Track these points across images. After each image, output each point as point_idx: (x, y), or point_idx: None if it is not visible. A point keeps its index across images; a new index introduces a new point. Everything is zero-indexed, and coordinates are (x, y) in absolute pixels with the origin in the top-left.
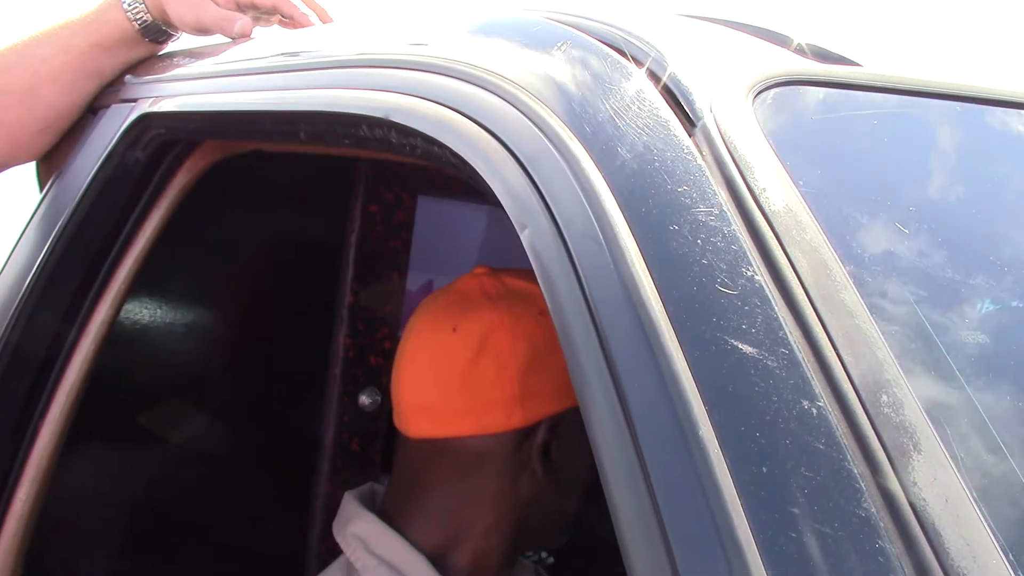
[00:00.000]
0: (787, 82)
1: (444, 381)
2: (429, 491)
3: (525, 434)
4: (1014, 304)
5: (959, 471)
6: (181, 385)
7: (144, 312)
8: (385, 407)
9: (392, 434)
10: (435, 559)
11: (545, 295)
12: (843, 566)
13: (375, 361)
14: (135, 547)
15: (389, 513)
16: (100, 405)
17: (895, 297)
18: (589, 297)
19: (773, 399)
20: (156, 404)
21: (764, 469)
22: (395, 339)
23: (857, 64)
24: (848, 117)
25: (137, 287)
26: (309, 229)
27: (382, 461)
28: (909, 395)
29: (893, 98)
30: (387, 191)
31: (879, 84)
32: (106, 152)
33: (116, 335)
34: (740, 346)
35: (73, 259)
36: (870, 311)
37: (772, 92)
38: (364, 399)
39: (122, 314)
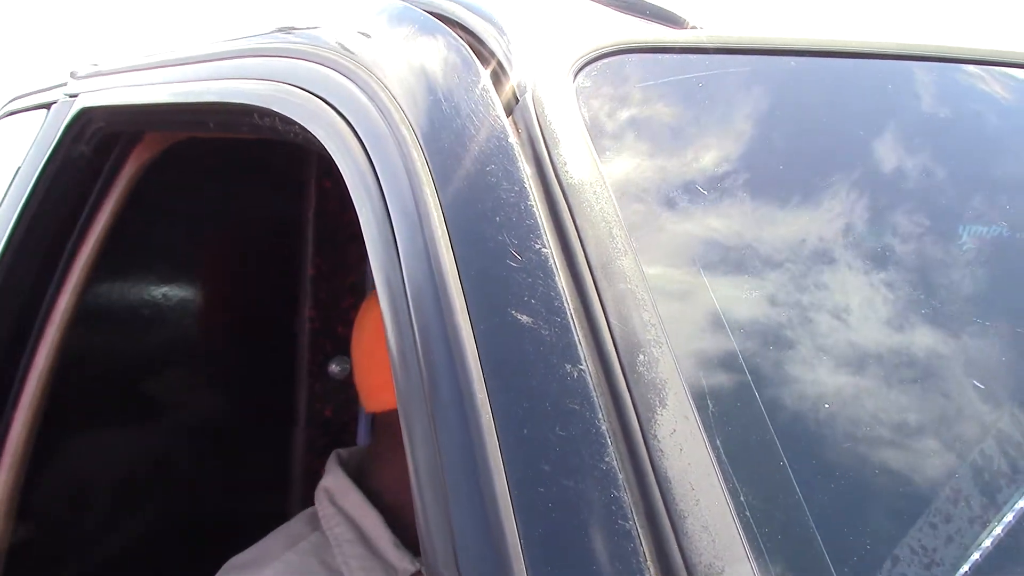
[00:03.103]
0: (615, 52)
1: (360, 363)
2: (379, 457)
3: None
4: (793, 266)
5: (699, 421)
6: (151, 367)
7: (109, 299)
8: None
9: None
10: (391, 516)
11: (374, 272)
12: (580, 514)
13: (342, 330)
14: (117, 522)
15: (364, 473)
16: (72, 391)
17: (679, 260)
18: (404, 275)
19: (540, 365)
20: (128, 385)
21: (525, 431)
22: None
23: (695, 27)
24: (672, 81)
25: (99, 275)
26: (266, 207)
27: (358, 427)
28: (667, 353)
29: (720, 58)
30: None
31: (709, 45)
32: (52, 146)
33: (82, 322)
34: (519, 317)
35: (29, 251)
36: (648, 275)
37: (600, 64)
38: (334, 367)
39: (88, 301)
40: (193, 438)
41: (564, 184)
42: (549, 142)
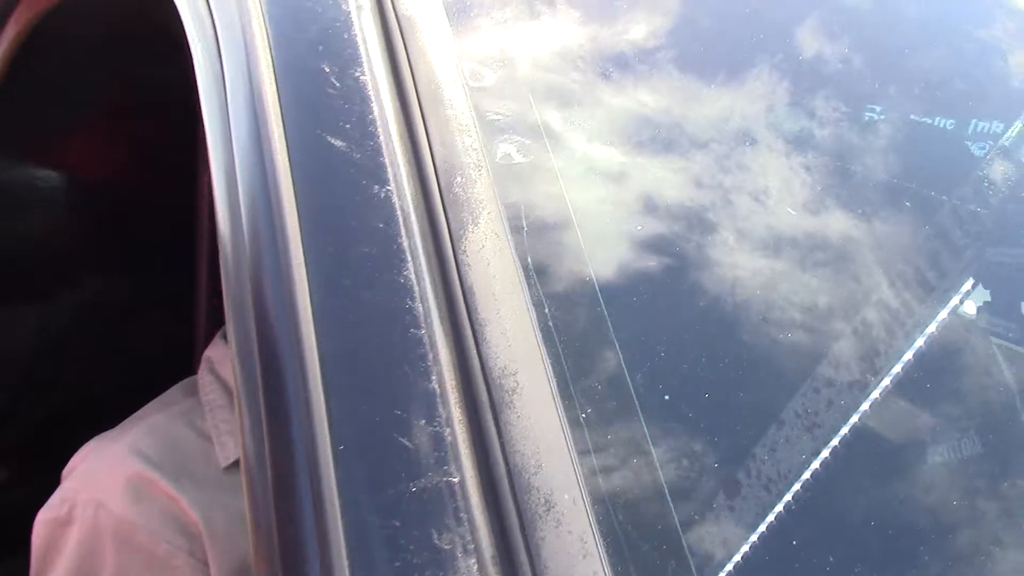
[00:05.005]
0: None
1: None
2: None
3: None
4: (618, 95)
5: (511, 239)
6: (47, 248)
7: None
8: None
9: None
10: None
11: (201, 104)
12: (375, 323)
13: None
14: (23, 400)
15: None
16: None
17: (509, 89)
18: (229, 106)
19: (350, 186)
20: (13, 268)
21: (330, 249)
22: None
23: None
24: None
25: None
26: (155, 75)
27: None
28: (485, 176)
29: None
30: None
31: None
32: None
33: None
34: (333, 141)
35: None
36: (475, 102)
37: None
38: None
39: None
40: (95, 315)
41: (400, 14)
42: None
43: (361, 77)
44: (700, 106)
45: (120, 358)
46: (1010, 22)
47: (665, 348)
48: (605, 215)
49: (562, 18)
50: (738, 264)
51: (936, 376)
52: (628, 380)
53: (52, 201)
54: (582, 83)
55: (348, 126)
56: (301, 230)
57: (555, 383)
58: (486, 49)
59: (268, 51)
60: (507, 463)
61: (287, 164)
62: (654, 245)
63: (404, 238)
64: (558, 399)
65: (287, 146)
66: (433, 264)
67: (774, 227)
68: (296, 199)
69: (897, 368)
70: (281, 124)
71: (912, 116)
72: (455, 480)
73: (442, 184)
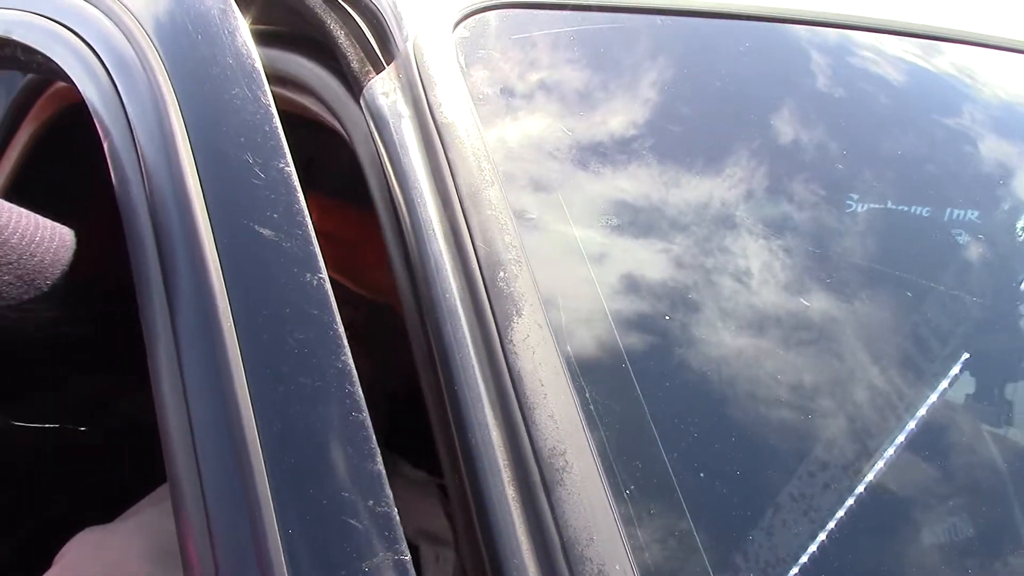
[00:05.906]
0: (495, 6)
1: None
2: None
3: None
4: (643, 193)
5: (552, 329)
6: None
7: None
8: None
9: None
10: None
11: (117, 197)
12: (316, 408)
13: None
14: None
15: None
16: None
17: (544, 188)
18: (151, 197)
19: (281, 274)
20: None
21: (265, 336)
22: None
23: None
24: (544, 35)
25: None
26: None
27: None
28: (525, 270)
29: (594, 15)
30: None
31: (584, 3)
32: None
33: None
34: (261, 230)
35: None
36: (511, 203)
37: (480, 17)
38: None
39: None
40: (98, 416)
41: (439, 122)
42: (426, 85)
43: (285, 168)
44: (686, 194)
45: (126, 459)
46: (978, 113)
47: (698, 428)
48: (635, 304)
49: (582, 120)
50: (759, 349)
51: (927, 460)
52: (665, 458)
53: (52, 297)
54: (610, 182)
55: (275, 216)
56: (235, 322)
57: (600, 462)
58: (519, 151)
59: (187, 140)
60: (561, 536)
61: (216, 255)
62: (683, 333)
63: (338, 324)
64: (604, 477)
65: (215, 236)
66: (482, 353)
67: (782, 316)
68: (228, 291)
69: (890, 451)
70: (207, 214)
71: (890, 204)
72: (406, 559)
73: (486, 279)
